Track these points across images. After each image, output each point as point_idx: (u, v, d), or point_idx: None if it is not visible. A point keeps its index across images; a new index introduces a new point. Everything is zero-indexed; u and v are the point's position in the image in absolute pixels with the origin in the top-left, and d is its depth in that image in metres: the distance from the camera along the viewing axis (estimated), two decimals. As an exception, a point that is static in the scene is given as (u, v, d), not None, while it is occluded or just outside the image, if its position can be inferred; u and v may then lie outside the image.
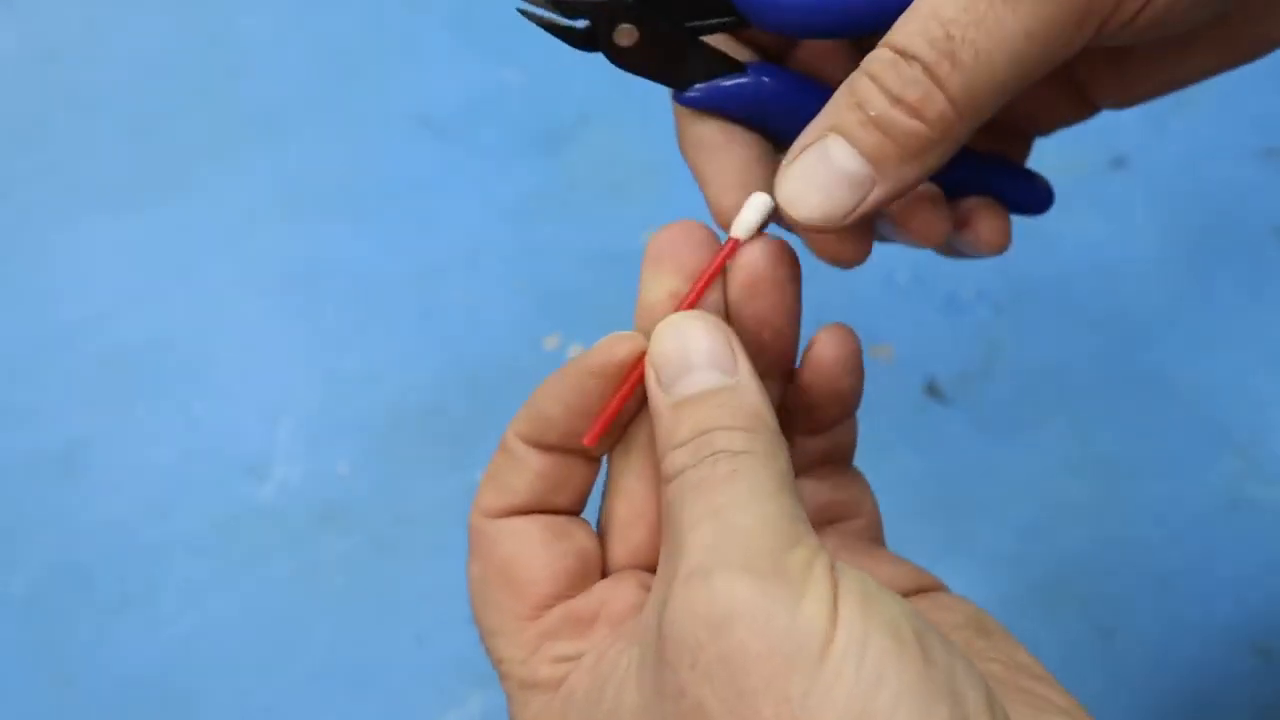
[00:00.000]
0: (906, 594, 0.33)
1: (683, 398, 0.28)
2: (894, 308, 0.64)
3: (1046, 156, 0.70)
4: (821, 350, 0.33)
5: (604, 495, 0.33)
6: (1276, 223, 0.66)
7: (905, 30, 0.28)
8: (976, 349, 0.63)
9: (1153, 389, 0.62)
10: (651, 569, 0.31)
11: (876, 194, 0.29)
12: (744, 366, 0.29)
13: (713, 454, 0.27)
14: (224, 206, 0.68)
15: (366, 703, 0.56)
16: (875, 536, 0.36)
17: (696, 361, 0.29)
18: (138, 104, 0.71)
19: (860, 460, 0.37)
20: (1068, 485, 0.60)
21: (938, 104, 0.28)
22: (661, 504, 0.29)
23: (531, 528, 0.31)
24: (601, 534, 0.33)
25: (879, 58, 0.29)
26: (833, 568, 0.26)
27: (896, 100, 0.28)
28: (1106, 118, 0.41)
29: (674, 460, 0.28)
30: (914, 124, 0.28)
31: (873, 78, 0.29)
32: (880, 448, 0.58)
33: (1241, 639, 0.56)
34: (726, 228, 0.32)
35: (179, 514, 0.59)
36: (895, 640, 0.24)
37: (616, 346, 0.30)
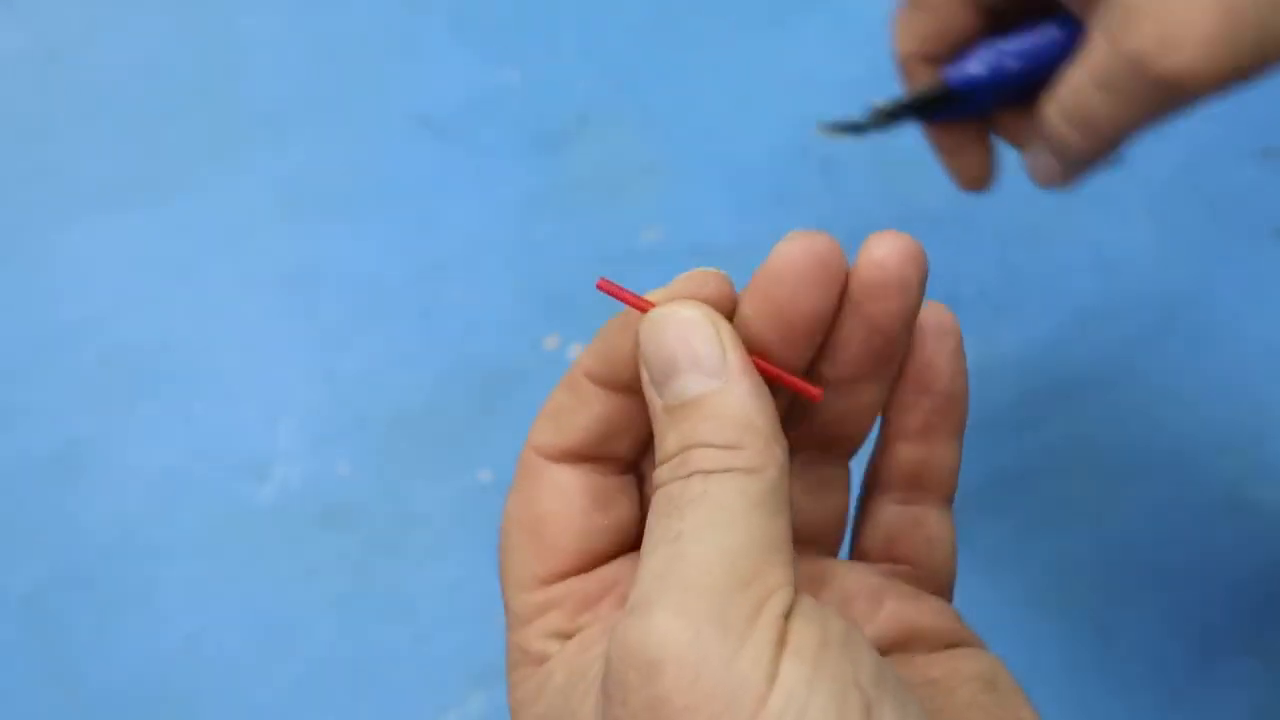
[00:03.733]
0: (934, 649, 0.31)
1: (672, 404, 0.27)
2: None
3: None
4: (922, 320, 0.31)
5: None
6: (1276, 223, 0.66)
7: (1049, 109, 0.41)
8: (976, 349, 0.63)
9: (1152, 389, 0.62)
10: None
11: (1076, 165, 0.42)
12: (735, 364, 0.27)
13: (688, 474, 0.26)
14: (224, 206, 0.68)
15: (366, 703, 0.56)
16: (938, 588, 0.33)
17: (682, 363, 0.27)
18: (138, 104, 0.71)
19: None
20: (1068, 485, 0.60)
21: (1090, 148, 0.41)
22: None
23: (577, 490, 0.29)
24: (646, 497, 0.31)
25: (1045, 117, 0.41)
26: (787, 615, 0.24)
27: (1062, 151, 0.42)
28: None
29: (659, 474, 0.27)
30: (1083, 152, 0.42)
31: (1045, 136, 0.42)
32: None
33: (1241, 639, 0.56)
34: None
35: (179, 514, 0.59)
36: (838, 708, 0.23)
37: (706, 278, 0.29)
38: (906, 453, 0.32)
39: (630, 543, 0.31)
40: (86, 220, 0.67)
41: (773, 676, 0.23)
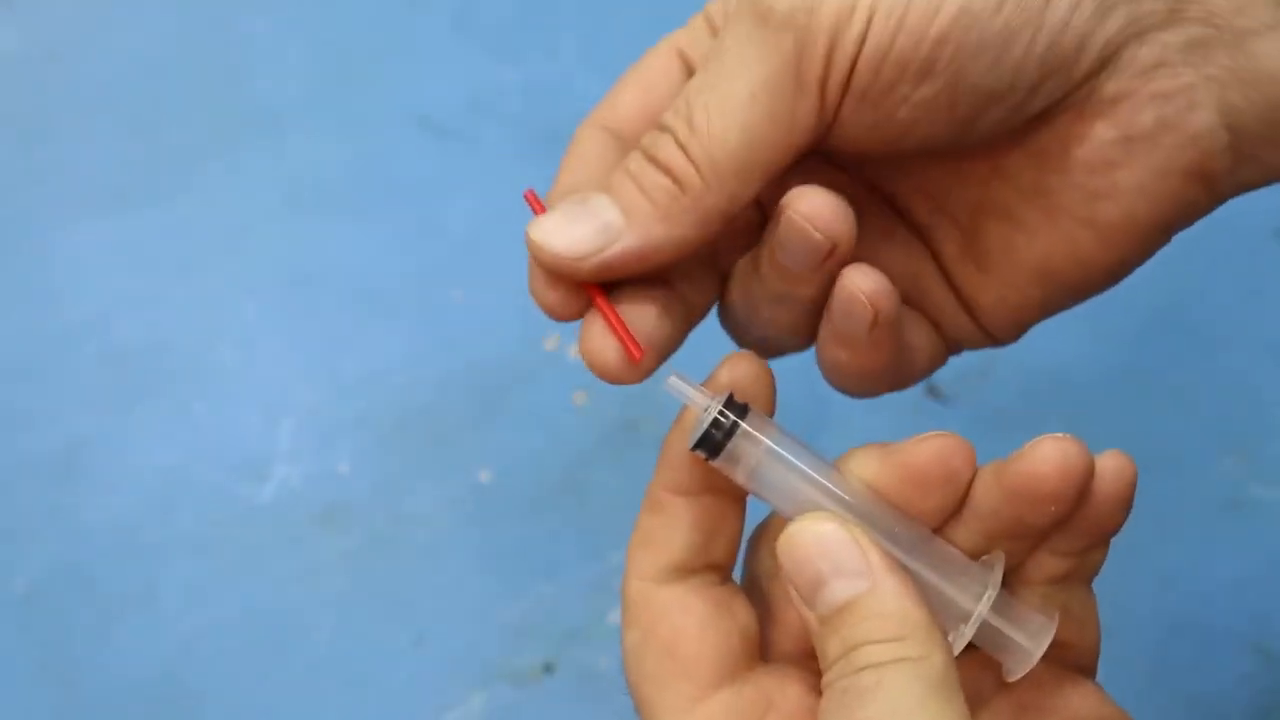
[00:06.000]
0: None
1: (826, 613, 0.28)
2: (894, 308, 0.64)
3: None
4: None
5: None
6: (1276, 223, 0.66)
7: (669, 107, 0.31)
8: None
9: (1153, 389, 0.62)
10: (812, 656, 0.30)
11: (622, 244, 0.31)
12: (877, 561, 0.28)
13: (857, 670, 0.27)
14: (224, 206, 0.68)
15: (366, 702, 0.56)
16: (1085, 665, 0.34)
17: (827, 573, 0.28)
18: (138, 104, 0.71)
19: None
20: (1068, 485, 0.60)
21: (680, 162, 0.30)
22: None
23: (695, 601, 0.31)
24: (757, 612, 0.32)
25: (649, 132, 0.32)
26: None
27: (651, 159, 0.31)
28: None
29: (826, 678, 0.28)
30: (663, 179, 0.30)
31: (639, 146, 0.32)
32: (880, 448, 0.58)
33: (1241, 639, 0.56)
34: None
35: (179, 514, 0.59)
36: None
37: (738, 365, 0.31)
38: (1055, 565, 0.32)
39: (757, 645, 0.32)
40: (86, 220, 0.67)
41: None
